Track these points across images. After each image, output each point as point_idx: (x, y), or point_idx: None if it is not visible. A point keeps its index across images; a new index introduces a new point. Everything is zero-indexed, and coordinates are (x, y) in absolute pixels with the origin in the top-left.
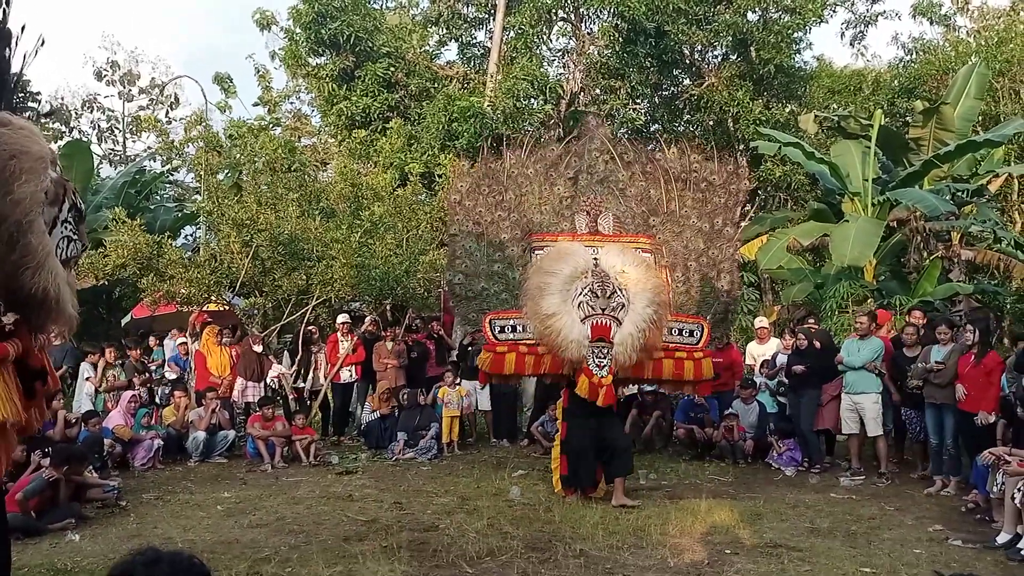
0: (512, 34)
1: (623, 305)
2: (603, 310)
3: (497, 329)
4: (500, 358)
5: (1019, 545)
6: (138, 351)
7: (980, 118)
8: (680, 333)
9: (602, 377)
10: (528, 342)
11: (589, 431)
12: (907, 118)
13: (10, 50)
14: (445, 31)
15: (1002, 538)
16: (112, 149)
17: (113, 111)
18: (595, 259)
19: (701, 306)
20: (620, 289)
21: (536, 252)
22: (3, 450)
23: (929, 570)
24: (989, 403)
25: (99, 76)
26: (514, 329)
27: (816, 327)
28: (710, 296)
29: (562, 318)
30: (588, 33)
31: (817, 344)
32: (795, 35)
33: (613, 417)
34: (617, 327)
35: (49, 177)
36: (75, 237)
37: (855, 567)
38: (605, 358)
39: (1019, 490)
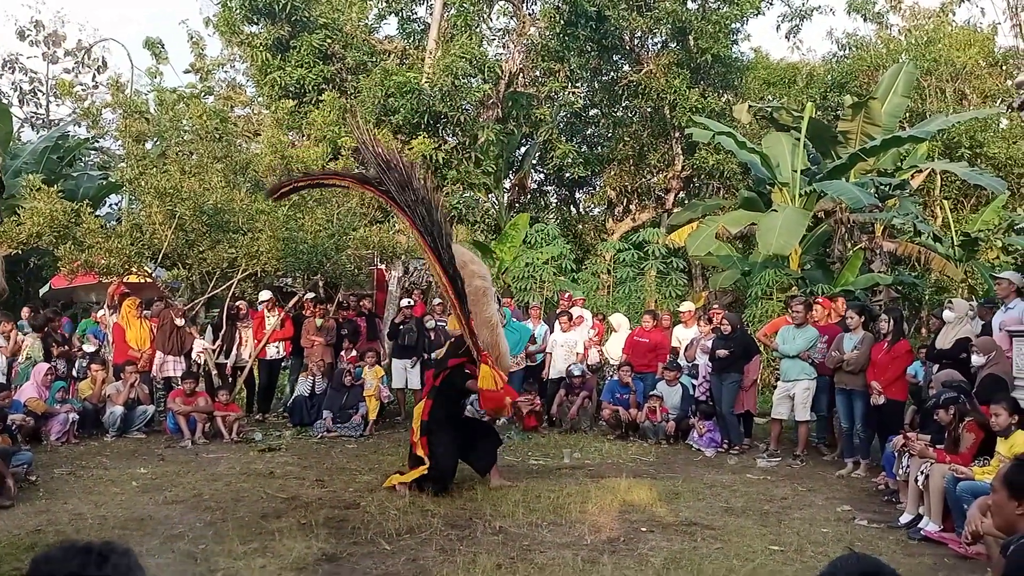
0: (453, 11)
1: None
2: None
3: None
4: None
5: (919, 525)
6: (59, 322)
7: (906, 115)
8: None
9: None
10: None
11: (454, 443)
12: (837, 112)
13: None
14: (385, 4)
15: (904, 518)
16: (34, 112)
17: (36, 73)
18: None
19: None
20: None
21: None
22: None
23: (834, 548)
24: (897, 388)
25: (21, 36)
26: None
27: (722, 311)
28: None
29: (499, 327)
30: (529, 14)
31: (729, 328)
32: (733, 26)
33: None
34: None
35: None
36: None
37: (764, 545)
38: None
39: (922, 473)
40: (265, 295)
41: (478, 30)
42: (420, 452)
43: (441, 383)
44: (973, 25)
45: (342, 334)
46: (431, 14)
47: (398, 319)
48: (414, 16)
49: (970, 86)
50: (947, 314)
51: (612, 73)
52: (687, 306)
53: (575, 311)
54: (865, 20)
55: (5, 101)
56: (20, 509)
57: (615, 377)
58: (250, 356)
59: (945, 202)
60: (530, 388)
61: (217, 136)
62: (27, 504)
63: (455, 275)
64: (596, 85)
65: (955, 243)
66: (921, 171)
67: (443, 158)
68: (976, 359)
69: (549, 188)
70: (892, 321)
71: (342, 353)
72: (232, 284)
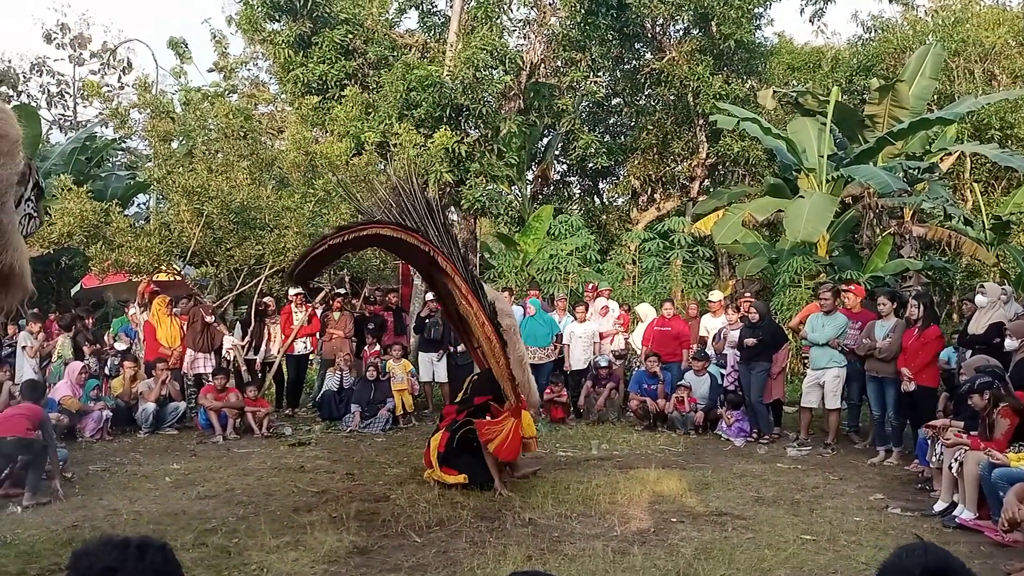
0: (473, 3)
1: None
2: None
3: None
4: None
5: (954, 513)
6: (91, 320)
7: (934, 97)
8: None
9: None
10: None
11: (475, 458)
12: (864, 96)
13: None
14: None
15: (939, 506)
16: (62, 114)
17: (63, 75)
18: None
19: None
20: None
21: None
22: None
23: (868, 537)
24: (928, 374)
25: (48, 39)
26: None
27: (751, 299)
28: None
29: (528, 366)
30: (549, 4)
31: (757, 316)
32: (755, 11)
33: None
34: None
35: (22, 159)
36: (35, 214)
37: (796, 534)
38: None
39: (956, 460)
40: (294, 290)
41: (498, 21)
42: (453, 480)
43: (464, 419)
44: (1002, 4)
45: (368, 328)
46: (451, 7)
47: (423, 313)
48: (434, 9)
49: (999, 66)
50: (979, 299)
51: (634, 61)
52: (716, 295)
53: (600, 301)
54: (891, 1)
55: (34, 104)
56: (57, 505)
57: (642, 368)
58: (278, 352)
59: (975, 185)
60: (557, 380)
61: (242, 134)
62: (63, 500)
63: (496, 320)
64: (618, 74)
65: (986, 226)
66: (950, 154)
67: (465, 151)
68: (1009, 343)
69: (572, 179)
70: (922, 307)
71: (365, 348)
72: (259, 281)
